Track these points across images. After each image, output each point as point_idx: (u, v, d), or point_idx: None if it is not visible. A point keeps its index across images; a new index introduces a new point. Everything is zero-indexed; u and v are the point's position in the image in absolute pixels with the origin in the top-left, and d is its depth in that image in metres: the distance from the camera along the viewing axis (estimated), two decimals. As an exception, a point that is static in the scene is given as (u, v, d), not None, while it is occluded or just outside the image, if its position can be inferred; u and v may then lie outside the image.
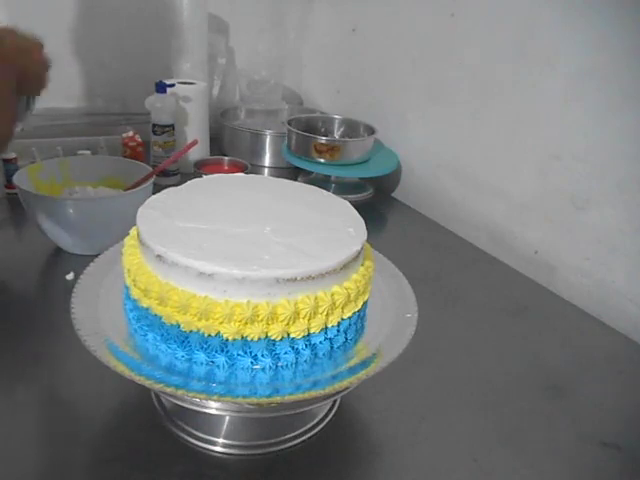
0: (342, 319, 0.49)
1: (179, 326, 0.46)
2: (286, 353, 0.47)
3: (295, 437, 0.54)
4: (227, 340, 0.45)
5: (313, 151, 1.08)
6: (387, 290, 0.58)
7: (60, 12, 0.77)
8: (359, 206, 0.56)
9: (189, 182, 0.58)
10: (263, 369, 0.47)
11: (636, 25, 0.72)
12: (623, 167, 0.76)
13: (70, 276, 0.74)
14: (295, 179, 1.10)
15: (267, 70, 1.33)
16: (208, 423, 0.54)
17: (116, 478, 0.49)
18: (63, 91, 0.80)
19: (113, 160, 0.92)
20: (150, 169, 0.86)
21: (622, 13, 0.73)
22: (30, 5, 1.04)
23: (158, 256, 0.46)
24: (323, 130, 1.21)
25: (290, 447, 0.53)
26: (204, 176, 0.61)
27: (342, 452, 0.54)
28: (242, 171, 1.04)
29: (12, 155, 0.94)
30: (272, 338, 0.46)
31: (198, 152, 1.07)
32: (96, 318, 0.50)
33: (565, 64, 0.81)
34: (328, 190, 0.60)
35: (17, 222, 0.90)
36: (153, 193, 0.56)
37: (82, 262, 0.58)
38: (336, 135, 1.21)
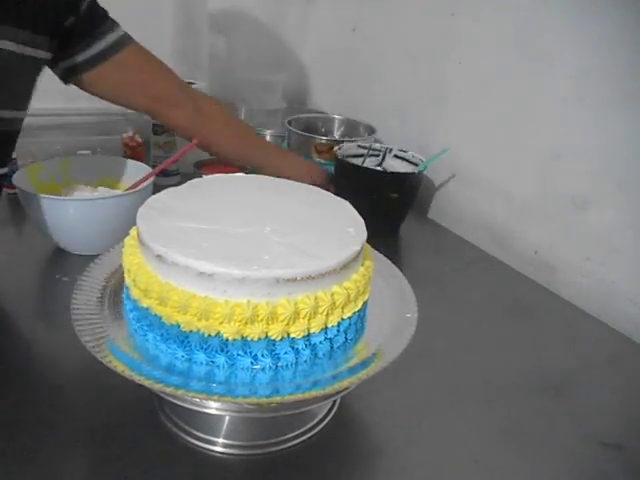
0: (342, 319, 0.49)
1: (179, 326, 0.46)
2: (286, 353, 0.47)
3: (295, 437, 0.54)
4: (227, 340, 0.45)
5: (313, 151, 1.08)
6: (387, 290, 0.58)
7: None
8: (359, 206, 0.56)
9: (189, 182, 0.58)
10: (263, 369, 0.47)
11: (636, 25, 0.72)
12: (623, 167, 0.76)
13: (68, 277, 0.74)
14: (295, 179, 1.10)
15: (267, 70, 1.33)
16: (208, 423, 0.54)
17: (116, 478, 0.49)
18: (63, 91, 0.80)
19: (113, 160, 0.92)
20: (150, 169, 0.86)
21: (622, 12, 0.73)
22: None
23: (158, 256, 0.46)
24: (323, 130, 1.21)
25: (290, 447, 0.53)
26: (204, 176, 0.61)
27: (342, 452, 0.54)
28: (242, 171, 1.04)
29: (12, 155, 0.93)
30: (272, 338, 0.46)
31: (198, 152, 1.06)
32: (96, 318, 0.50)
33: (565, 64, 0.81)
34: (328, 190, 0.60)
35: (17, 222, 0.90)
36: (153, 193, 0.56)
37: (82, 262, 0.58)
38: (336, 135, 1.21)
